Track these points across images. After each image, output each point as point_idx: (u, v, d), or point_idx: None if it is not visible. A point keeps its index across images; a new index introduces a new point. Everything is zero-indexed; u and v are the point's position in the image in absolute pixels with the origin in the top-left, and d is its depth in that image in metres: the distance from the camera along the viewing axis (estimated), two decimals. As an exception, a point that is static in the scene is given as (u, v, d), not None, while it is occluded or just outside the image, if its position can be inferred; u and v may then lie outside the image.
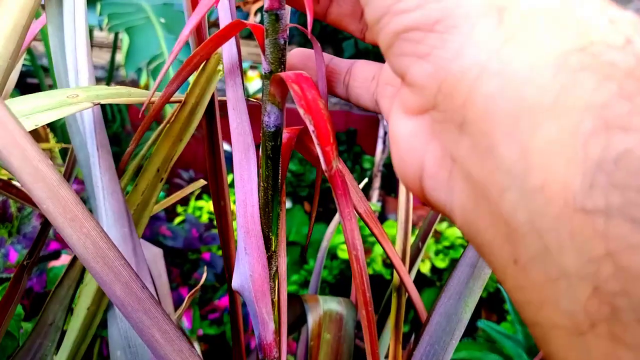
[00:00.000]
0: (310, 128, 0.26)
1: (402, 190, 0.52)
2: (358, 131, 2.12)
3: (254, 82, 2.22)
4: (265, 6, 0.28)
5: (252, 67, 2.30)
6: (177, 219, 1.50)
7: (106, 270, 0.26)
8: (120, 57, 1.62)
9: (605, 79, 0.14)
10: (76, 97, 0.32)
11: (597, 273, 0.13)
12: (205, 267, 0.49)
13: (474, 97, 0.17)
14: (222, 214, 0.42)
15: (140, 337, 0.29)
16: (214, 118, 0.39)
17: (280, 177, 0.33)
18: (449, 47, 0.17)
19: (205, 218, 1.57)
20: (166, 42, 1.36)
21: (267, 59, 0.29)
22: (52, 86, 1.71)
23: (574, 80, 0.15)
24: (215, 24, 1.91)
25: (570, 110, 0.14)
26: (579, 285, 0.13)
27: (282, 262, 0.37)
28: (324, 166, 0.27)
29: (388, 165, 1.99)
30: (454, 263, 1.53)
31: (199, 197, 1.64)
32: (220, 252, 1.48)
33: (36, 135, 1.24)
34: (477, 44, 0.17)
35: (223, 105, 0.40)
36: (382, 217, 1.89)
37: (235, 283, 0.35)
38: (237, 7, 1.55)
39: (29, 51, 1.79)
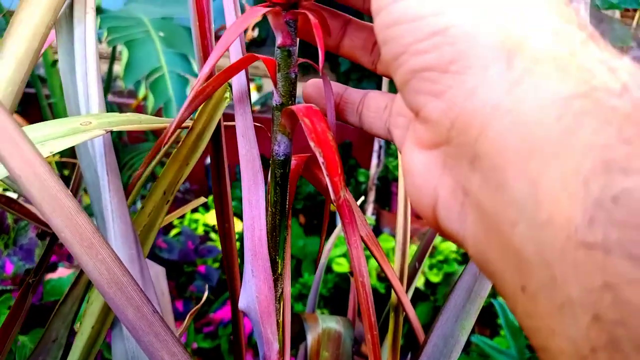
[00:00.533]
0: (320, 160, 0.27)
1: (400, 211, 0.53)
2: (353, 144, 2.14)
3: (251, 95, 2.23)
4: (278, 42, 0.30)
5: (249, 80, 2.31)
6: (173, 231, 1.50)
7: (119, 295, 0.27)
8: (118, 68, 1.63)
9: (606, 123, 0.15)
10: (89, 125, 0.33)
11: (597, 302, 0.14)
12: (206, 286, 0.50)
13: (486, 134, 0.18)
14: (226, 236, 0.43)
15: (150, 359, 0.29)
16: (220, 143, 0.40)
17: (287, 203, 0.34)
18: (463, 87, 0.19)
19: (200, 230, 1.57)
20: (165, 55, 1.38)
21: (278, 92, 0.31)
22: (50, 96, 1.72)
23: (576, 123, 0.16)
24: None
25: (573, 150, 0.15)
26: (581, 313, 0.15)
27: (287, 284, 0.38)
28: (332, 196, 0.28)
29: (382, 179, 2.01)
30: (447, 277, 1.54)
31: (194, 210, 1.64)
32: (216, 265, 1.48)
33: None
34: (489, 85, 0.18)
35: (228, 128, 0.41)
36: (377, 231, 1.90)
37: (242, 304, 0.36)
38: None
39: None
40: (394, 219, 1.94)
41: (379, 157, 1.87)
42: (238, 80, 0.34)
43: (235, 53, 0.36)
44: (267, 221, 0.34)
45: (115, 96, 2.21)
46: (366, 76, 2.19)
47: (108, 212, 0.36)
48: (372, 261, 1.52)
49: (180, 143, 0.39)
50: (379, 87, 1.94)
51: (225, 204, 0.42)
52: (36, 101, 1.77)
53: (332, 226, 1.77)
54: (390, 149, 1.95)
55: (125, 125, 0.34)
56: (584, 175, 0.15)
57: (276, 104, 0.31)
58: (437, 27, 0.19)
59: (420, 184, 0.22)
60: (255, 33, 2.01)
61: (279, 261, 0.35)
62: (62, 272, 1.05)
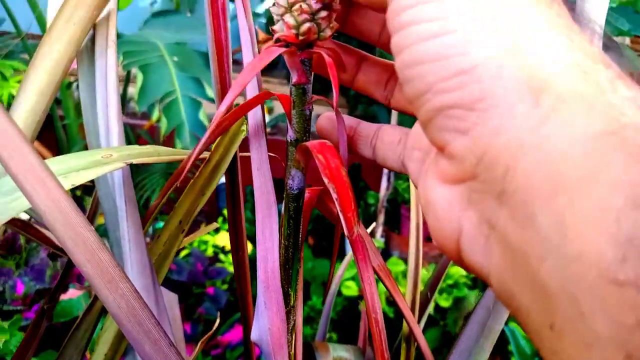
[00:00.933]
0: (334, 196, 0.28)
1: (412, 240, 0.53)
2: (362, 166, 2.14)
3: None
4: (293, 80, 0.30)
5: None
6: (182, 252, 1.51)
7: (137, 329, 0.28)
8: (132, 90, 1.66)
9: (635, 160, 0.16)
10: (110, 157, 0.34)
11: (629, 341, 0.14)
12: (216, 309, 0.50)
13: (513, 170, 0.18)
14: (240, 264, 0.43)
15: (164, 391, 0.30)
16: (236, 175, 0.41)
17: (300, 235, 0.35)
18: (489, 124, 0.19)
19: (210, 252, 1.58)
20: (178, 79, 1.40)
21: (293, 128, 0.31)
22: (64, 117, 1.75)
23: (605, 160, 0.16)
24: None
25: (602, 187, 0.16)
26: (612, 352, 0.15)
27: (299, 315, 0.38)
28: (346, 232, 0.29)
29: (392, 201, 2.00)
30: (457, 302, 1.53)
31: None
32: (224, 287, 1.48)
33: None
34: (516, 122, 0.18)
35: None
36: (386, 254, 1.89)
37: (254, 335, 0.36)
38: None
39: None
40: (403, 242, 1.93)
41: (388, 179, 1.87)
42: (254, 115, 0.35)
43: (252, 88, 0.37)
44: (280, 253, 0.34)
45: (129, 117, 2.24)
46: (375, 100, 2.20)
47: (125, 242, 0.37)
48: (380, 285, 1.51)
49: (197, 174, 0.39)
50: (388, 112, 1.95)
51: (239, 234, 0.42)
52: (51, 122, 1.80)
53: (341, 249, 1.76)
54: (399, 172, 1.95)
55: (145, 157, 0.35)
56: (615, 212, 0.15)
57: (291, 140, 0.32)
58: (462, 66, 0.19)
59: (443, 217, 0.22)
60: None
61: (292, 293, 0.36)
62: (73, 293, 1.06)
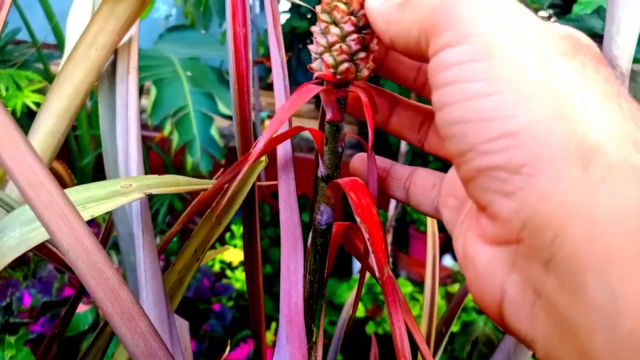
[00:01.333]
0: (366, 236, 0.27)
1: (428, 274, 0.52)
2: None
3: (271, 132, 2.25)
4: (328, 117, 0.30)
5: (269, 117, 2.34)
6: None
7: (155, 369, 0.27)
8: (144, 102, 1.66)
9: None
10: (129, 187, 0.33)
11: None
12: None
13: (562, 239, 0.17)
14: (255, 293, 0.42)
15: None
16: (253, 204, 0.40)
17: (326, 271, 0.34)
18: (536, 190, 0.18)
19: (217, 267, 1.57)
20: (191, 94, 1.40)
21: (324, 164, 0.31)
22: (76, 128, 1.75)
23: None
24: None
25: None
26: None
27: (320, 351, 0.37)
28: (377, 273, 0.28)
29: (400, 220, 1.99)
30: (466, 327, 1.51)
31: (212, 247, 1.64)
32: (230, 304, 1.47)
33: (60, 179, 1.26)
34: (563, 190, 0.18)
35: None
36: (394, 274, 1.87)
37: (274, 369, 0.35)
38: (260, 62, 1.59)
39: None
40: (411, 262, 1.92)
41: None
42: (284, 147, 0.35)
43: (284, 128, 0.37)
44: (304, 288, 0.33)
45: (141, 129, 2.25)
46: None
47: (141, 272, 0.36)
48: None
49: (214, 204, 0.39)
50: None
51: (255, 265, 0.41)
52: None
53: (347, 267, 1.75)
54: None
55: (164, 187, 0.35)
56: None
57: (322, 175, 0.31)
58: (507, 129, 0.19)
59: (485, 278, 0.21)
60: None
61: (314, 329, 0.35)
62: (80, 308, 1.05)
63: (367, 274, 0.36)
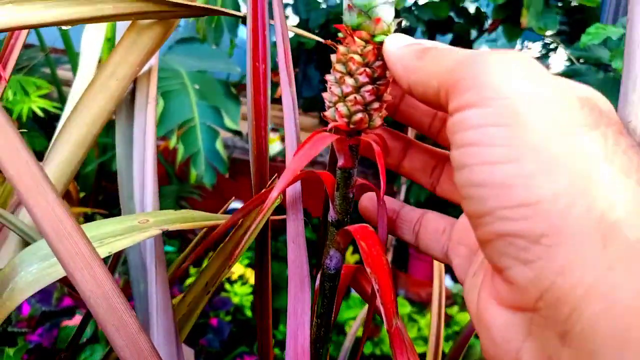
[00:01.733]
0: (375, 286, 0.28)
1: (434, 311, 0.52)
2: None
3: (275, 145, 2.26)
4: (339, 164, 0.30)
5: (273, 130, 2.35)
6: (188, 280, 1.50)
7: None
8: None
9: None
10: (146, 222, 0.33)
11: None
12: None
13: (578, 314, 0.18)
14: (263, 330, 0.43)
15: None
16: (266, 240, 0.40)
17: (333, 315, 0.34)
18: (554, 262, 0.18)
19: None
20: (198, 108, 1.41)
21: (335, 209, 0.31)
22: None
23: None
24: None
25: None
26: None
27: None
28: (386, 323, 0.28)
29: (399, 239, 1.99)
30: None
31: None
32: (228, 318, 1.47)
33: (68, 197, 1.26)
34: (582, 265, 0.18)
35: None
36: (392, 293, 1.87)
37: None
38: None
39: (61, 98, 1.85)
40: (410, 281, 1.91)
41: (398, 218, 1.86)
42: (292, 188, 0.35)
43: (291, 145, 0.37)
44: (311, 331, 0.34)
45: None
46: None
47: (153, 305, 0.36)
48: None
49: (228, 238, 0.39)
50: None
51: (265, 301, 0.41)
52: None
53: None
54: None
55: (180, 223, 0.35)
56: None
57: (332, 220, 0.32)
58: (527, 199, 0.19)
59: (500, 342, 0.21)
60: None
61: (320, 371, 0.35)
62: (79, 320, 1.05)
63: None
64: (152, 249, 0.37)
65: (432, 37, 2.08)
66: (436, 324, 0.51)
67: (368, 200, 0.33)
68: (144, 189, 0.39)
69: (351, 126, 0.29)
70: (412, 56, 0.25)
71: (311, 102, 2.25)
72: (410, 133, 1.78)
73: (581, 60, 1.48)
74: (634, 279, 0.17)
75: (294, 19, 2.25)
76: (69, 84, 2.22)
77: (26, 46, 2.02)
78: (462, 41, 2.11)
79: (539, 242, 0.19)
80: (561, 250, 0.18)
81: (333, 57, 0.29)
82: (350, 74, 0.28)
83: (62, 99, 1.83)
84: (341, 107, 0.28)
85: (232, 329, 1.42)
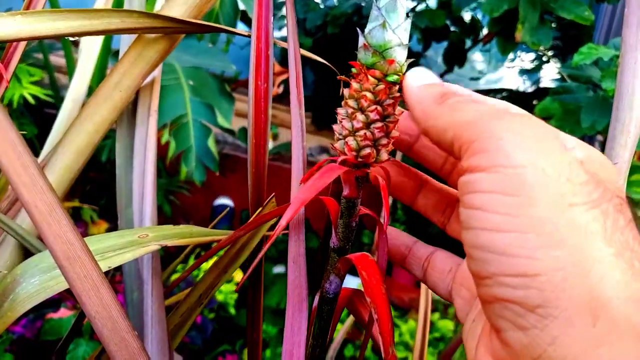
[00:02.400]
0: (374, 316, 0.29)
1: (419, 332, 0.54)
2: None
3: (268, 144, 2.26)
4: (344, 193, 0.31)
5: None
6: (174, 276, 1.50)
7: None
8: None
9: None
10: (146, 237, 0.34)
11: None
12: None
13: None
14: (254, 347, 0.43)
15: None
16: (261, 261, 0.41)
17: (329, 337, 0.35)
18: (547, 332, 0.20)
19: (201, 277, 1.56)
20: (192, 104, 1.41)
21: (338, 236, 0.32)
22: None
23: None
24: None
25: None
26: None
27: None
28: (383, 351, 0.29)
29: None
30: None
31: (198, 256, 1.65)
32: (211, 316, 1.47)
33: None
34: (573, 338, 0.19)
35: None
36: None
37: None
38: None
39: (53, 85, 1.83)
40: (394, 286, 1.93)
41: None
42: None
43: (297, 171, 0.38)
44: (306, 351, 0.35)
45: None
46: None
47: (148, 317, 0.37)
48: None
49: (223, 254, 0.40)
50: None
51: (256, 320, 0.42)
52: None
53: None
54: (397, 215, 1.96)
55: (178, 238, 0.36)
56: None
57: (334, 246, 0.33)
58: (526, 270, 0.20)
59: None
60: (281, 90, 2.06)
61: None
62: (63, 313, 1.05)
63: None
64: (149, 262, 0.38)
65: (427, 44, 2.10)
66: (421, 336, 0.52)
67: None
68: (143, 200, 0.40)
69: (359, 159, 0.30)
70: (431, 100, 0.25)
71: (305, 102, 2.25)
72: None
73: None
74: (618, 357, 0.18)
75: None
76: (61, 70, 2.19)
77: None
78: (457, 49, 2.13)
79: (535, 311, 0.20)
80: (554, 322, 0.19)
81: (346, 91, 0.30)
82: (361, 110, 0.29)
83: (54, 86, 1.81)
84: (351, 141, 0.29)
85: (215, 326, 1.42)
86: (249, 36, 0.42)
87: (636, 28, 0.38)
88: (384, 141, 0.29)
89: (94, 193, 1.80)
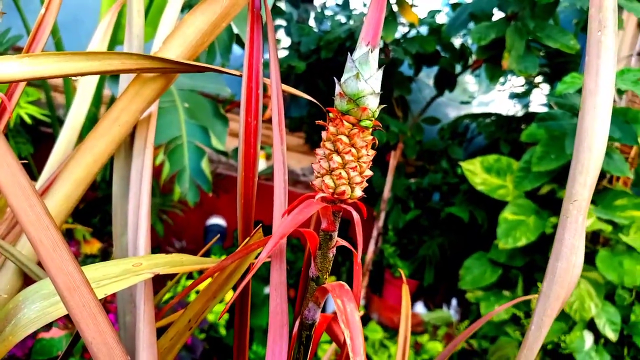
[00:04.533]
0: (348, 341, 0.31)
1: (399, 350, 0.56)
2: (351, 223, 2.17)
3: (260, 162, 2.29)
4: (323, 227, 0.34)
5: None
6: (166, 296, 1.51)
7: None
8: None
9: None
10: (140, 266, 0.37)
11: None
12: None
13: None
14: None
15: None
16: (248, 283, 0.44)
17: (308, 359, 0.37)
18: None
19: (193, 297, 1.58)
20: (186, 126, 1.44)
21: (316, 266, 0.35)
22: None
23: None
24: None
25: None
26: None
27: None
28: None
29: (376, 263, 2.03)
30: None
31: (189, 276, 1.66)
32: (202, 336, 1.48)
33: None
34: None
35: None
36: (366, 318, 1.90)
37: None
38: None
39: (49, 104, 1.86)
40: (383, 306, 1.95)
41: (376, 243, 1.91)
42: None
43: (279, 204, 0.41)
44: (286, 374, 0.37)
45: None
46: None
47: (139, 342, 0.39)
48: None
49: (212, 280, 0.42)
50: (382, 174, 1.98)
51: (242, 341, 0.44)
52: (52, 141, 1.82)
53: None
54: (387, 236, 1.99)
55: (171, 267, 0.38)
56: None
57: (312, 276, 0.35)
58: None
59: None
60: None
61: (292, 410, 0.38)
62: (55, 333, 1.06)
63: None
64: (142, 288, 0.40)
65: (418, 69, 2.15)
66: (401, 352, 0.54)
67: None
68: (137, 230, 0.42)
69: (335, 196, 0.32)
70: None
71: (298, 122, 2.29)
72: (393, 161, 1.81)
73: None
74: None
75: (285, 41, 2.30)
76: (57, 89, 2.21)
77: (19, 49, 2.04)
78: (447, 74, 2.18)
79: None
80: None
81: (324, 134, 0.33)
82: (337, 151, 0.32)
83: (51, 105, 1.84)
84: (327, 179, 0.32)
85: (206, 346, 1.43)
86: (241, 76, 0.45)
87: (595, 75, 0.41)
88: (358, 179, 0.32)
89: (87, 211, 1.82)
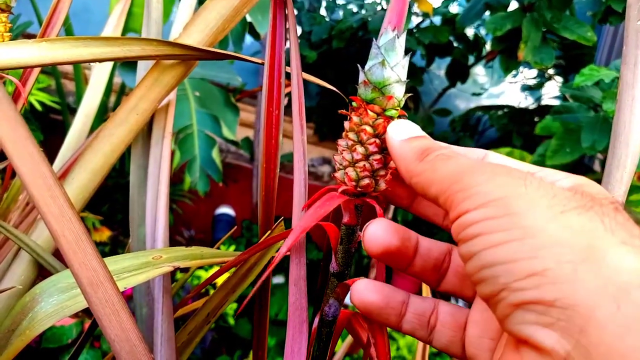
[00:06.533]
0: (372, 340, 0.30)
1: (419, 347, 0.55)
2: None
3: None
4: (344, 220, 0.33)
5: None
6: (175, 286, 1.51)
7: None
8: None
9: None
10: (160, 259, 0.36)
11: None
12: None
13: None
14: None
15: None
16: (269, 278, 0.42)
17: (327, 357, 0.36)
18: (573, 323, 0.20)
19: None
20: (197, 115, 1.43)
21: (337, 261, 0.34)
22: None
23: None
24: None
25: None
26: None
27: None
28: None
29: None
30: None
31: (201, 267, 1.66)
32: (211, 325, 1.48)
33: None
34: (601, 326, 0.19)
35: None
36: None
37: None
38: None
39: (59, 91, 1.85)
40: (391, 298, 1.94)
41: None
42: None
43: (299, 197, 0.39)
44: (306, 371, 0.36)
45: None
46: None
47: (158, 335, 0.39)
48: None
49: (232, 274, 0.41)
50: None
51: (262, 339, 0.43)
52: (62, 129, 1.82)
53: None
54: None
55: (190, 260, 0.37)
56: None
57: (333, 271, 0.34)
58: (534, 269, 0.21)
59: None
60: (285, 101, 2.08)
61: (312, 409, 0.37)
62: (65, 321, 1.06)
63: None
64: (160, 281, 0.39)
65: (431, 60, 2.12)
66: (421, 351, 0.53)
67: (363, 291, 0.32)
68: (156, 221, 0.41)
69: (358, 189, 0.31)
70: (413, 157, 0.27)
71: (308, 113, 2.28)
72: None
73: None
74: None
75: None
76: (67, 76, 2.20)
77: (28, 36, 2.03)
78: (460, 65, 2.15)
79: (554, 305, 0.20)
80: (576, 311, 0.20)
81: (346, 124, 0.32)
82: (361, 142, 0.31)
83: (61, 92, 1.84)
84: (350, 171, 0.31)
85: (214, 336, 1.44)
86: (263, 64, 0.44)
87: (634, 66, 0.39)
88: (382, 172, 0.31)
89: (96, 199, 1.82)
